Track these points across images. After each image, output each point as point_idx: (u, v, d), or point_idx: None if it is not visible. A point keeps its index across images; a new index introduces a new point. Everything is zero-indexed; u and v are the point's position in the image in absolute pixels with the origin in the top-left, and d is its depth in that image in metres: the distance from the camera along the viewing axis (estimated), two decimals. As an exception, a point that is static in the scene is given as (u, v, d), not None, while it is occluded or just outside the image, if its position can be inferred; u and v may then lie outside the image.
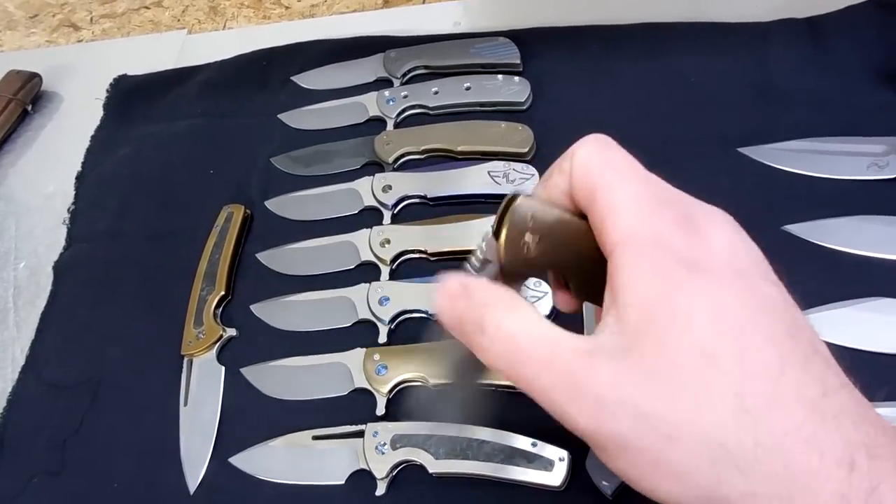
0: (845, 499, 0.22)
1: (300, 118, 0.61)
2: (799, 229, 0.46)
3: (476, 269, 0.31)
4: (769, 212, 0.47)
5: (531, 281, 0.43)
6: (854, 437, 0.23)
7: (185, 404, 0.49)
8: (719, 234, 0.26)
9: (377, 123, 0.59)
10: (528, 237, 0.29)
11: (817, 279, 0.44)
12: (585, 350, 0.25)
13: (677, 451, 0.24)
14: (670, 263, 0.25)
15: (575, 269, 0.30)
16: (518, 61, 0.58)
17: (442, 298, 0.29)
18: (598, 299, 0.28)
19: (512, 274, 0.30)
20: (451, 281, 0.29)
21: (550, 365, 0.26)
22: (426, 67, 0.60)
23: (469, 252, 0.48)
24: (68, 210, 0.62)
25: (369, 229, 0.52)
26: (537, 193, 0.30)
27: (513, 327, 0.27)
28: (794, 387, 0.24)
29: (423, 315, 0.48)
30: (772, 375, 0.24)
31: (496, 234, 0.30)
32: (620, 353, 0.25)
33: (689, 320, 0.24)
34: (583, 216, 0.29)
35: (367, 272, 0.51)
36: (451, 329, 0.28)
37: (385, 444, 0.43)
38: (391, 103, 0.58)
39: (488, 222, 0.49)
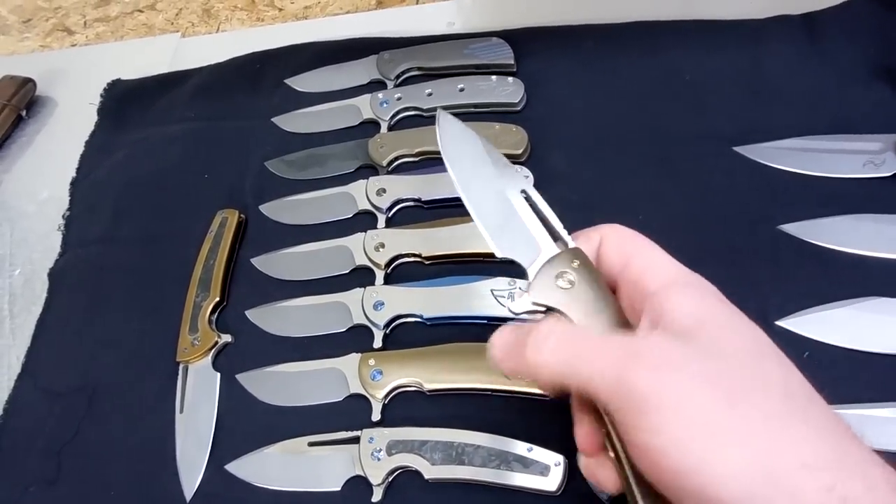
0: None
1: (294, 121, 0.61)
2: (795, 228, 0.45)
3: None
4: (765, 211, 0.46)
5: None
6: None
7: (181, 411, 0.49)
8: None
9: (371, 126, 0.58)
10: (565, 276, 0.32)
11: (813, 279, 0.44)
12: (641, 332, 0.29)
13: (734, 416, 0.25)
14: (713, 294, 0.29)
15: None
16: (512, 62, 0.58)
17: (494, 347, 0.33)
18: None
19: (537, 302, 0.32)
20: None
21: (610, 341, 0.29)
22: (420, 69, 0.60)
23: (469, 256, 0.48)
24: (63, 216, 0.62)
25: (364, 233, 0.51)
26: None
27: (562, 326, 0.31)
28: (814, 395, 0.26)
29: (417, 319, 0.48)
30: (801, 383, 0.27)
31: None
32: (679, 337, 0.27)
33: (738, 326, 0.28)
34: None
35: (361, 276, 0.51)
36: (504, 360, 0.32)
37: (381, 450, 0.43)
38: (385, 105, 0.58)
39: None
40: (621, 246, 0.32)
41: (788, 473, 0.24)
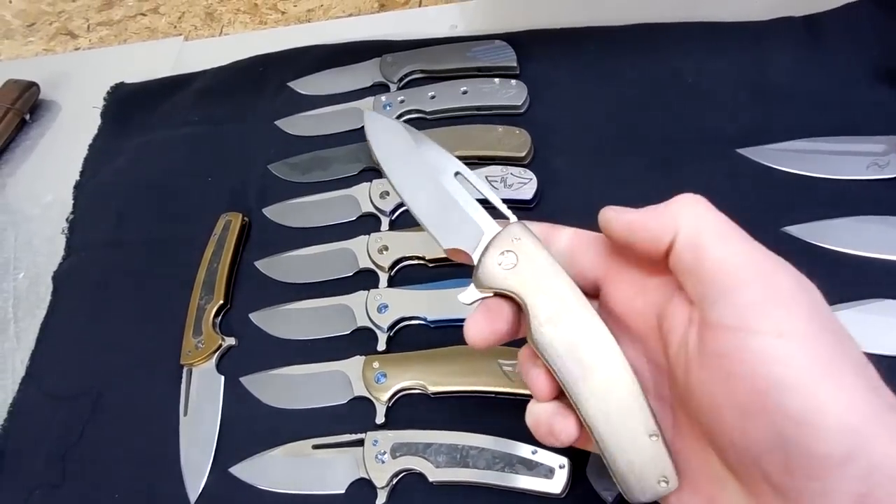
0: None
1: (297, 124, 0.61)
2: (799, 230, 0.45)
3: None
4: (768, 213, 0.46)
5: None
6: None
7: (185, 414, 0.49)
8: None
9: (374, 129, 0.58)
10: (504, 254, 0.31)
11: (817, 280, 0.43)
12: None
13: (844, 360, 0.25)
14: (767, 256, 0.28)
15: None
16: (515, 64, 0.58)
17: None
18: None
19: (482, 286, 0.32)
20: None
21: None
22: (423, 72, 0.60)
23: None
24: (67, 219, 0.62)
25: (367, 236, 0.51)
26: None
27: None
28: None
29: (421, 322, 0.48)
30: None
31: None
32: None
33: (801, 283, 0.28)
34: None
35: (365, 279, 0.51)
36: None
37: (385, 452, 0.43)
38: (388, 108, 0.58)
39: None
40: (600, 244, 0.32)
41: (887, 417, 0.24)
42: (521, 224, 0.32)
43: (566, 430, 0.31)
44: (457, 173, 0.34)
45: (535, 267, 0.31)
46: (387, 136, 0.36)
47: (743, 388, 0.26)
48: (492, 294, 0.32)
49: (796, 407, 0.24)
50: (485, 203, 0.34)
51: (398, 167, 0.35)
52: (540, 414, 0.32)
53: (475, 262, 0.32)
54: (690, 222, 0.29)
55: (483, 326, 0.32)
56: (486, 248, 0.32)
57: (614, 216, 0.31)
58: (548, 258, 0.31)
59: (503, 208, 0.33)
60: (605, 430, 0.30)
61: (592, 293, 0.33)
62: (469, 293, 0.32)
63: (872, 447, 0.24)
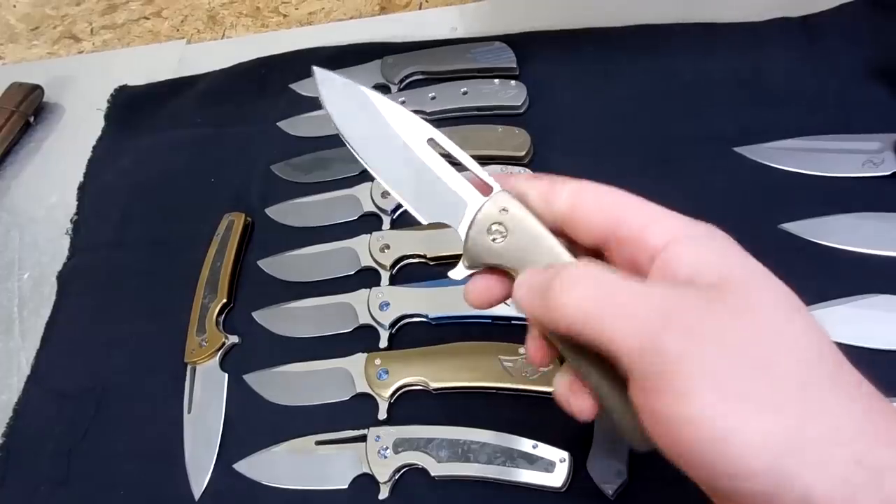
0: None
1: (299, 125, 0.62)
2: (795, 227, 0.46)
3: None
4: (766, 210, 0.47)
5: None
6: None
7: (189, 411, 0.49)
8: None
9: (375, 129, 0.59)
10: (495, 227, 0.30)
11: (814, 277, 0.44)
12: (675, 288, 0.26)
13: (764, 384, 0.24)
14: (731, 244, 0.27)
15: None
16: (514, 65, 0.58)
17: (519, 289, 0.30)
18: None
19: (474, 262, 0.31)
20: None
21: (642, 296, 0.26)
22: (423, 73, 0.61)
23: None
24: (71, 220, 0.63)
25: (369, 235, 0.52)
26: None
27: (595, 269, 0.28)
28: (848, 381, 0.25)
29: (423, 319, 0.48)
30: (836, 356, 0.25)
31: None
32: (709, 294, 0.25)
33: (768, 279, 0.26)
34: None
35: (367, 278, 0.51)
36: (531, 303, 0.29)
37: (387, 448, 0.43)
38: (389, 109, 0.58)
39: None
40: (603, 204, 0.29)
41: (818, 444, 0.23)
42: (506, 192, 0.30)
43: (582, 408, 0.30)
44: (429, 139, 0.31)
45: (525, 238, 0.29)
46: (346, 101, 0.32)
47: None
48: (481, 269, 0.30)
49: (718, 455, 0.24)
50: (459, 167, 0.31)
51: (363, 136, 0.31)
52: (558, 391, 0.31)
53: (462, 237, 0.30)
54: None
55: (482, 293, 0.31)
56: (473, 222, 0.30)
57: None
58: (538, 227, 0.29)
59: (484, 175, 0.30)
60: (607, 392, 0.29)
61: (597, 252, 0.31)
62: (459, 270, 0.31)
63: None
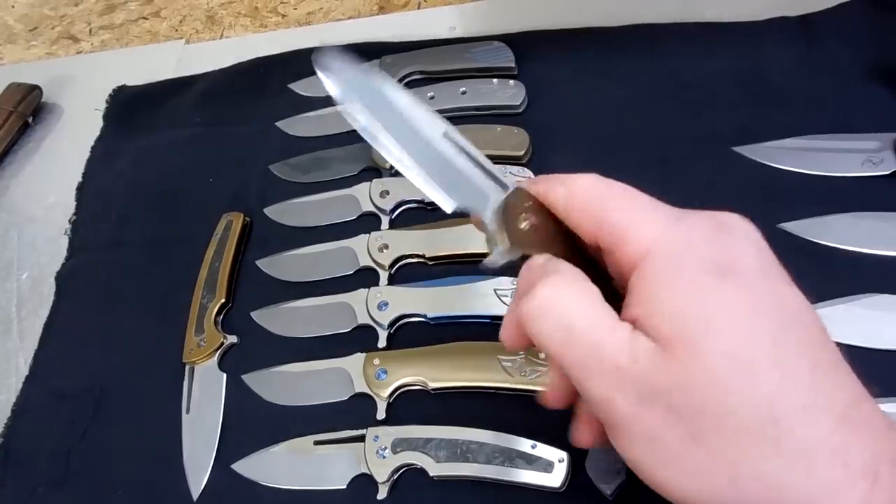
0: None
1: (298, 125, 0.62)
2: (794, 227, 0.46)
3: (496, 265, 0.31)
4: (764, 210, 0.46)
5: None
6: (881, 447, 0.23)
7: (188, 411, 0.49)
8: (747, 244, 0.27)
9: (374, 129, 0.59)
10: (524, 217, 0.30)
11: (813, 276, 0.43)
12: (630, 342, 0.26)
13: (701, 452, 0.24)
14: (701, 272, 0.25)
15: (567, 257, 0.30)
16: (513, 65, 0.58)
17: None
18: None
19: (513, 250, 0.31)
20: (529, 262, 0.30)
21: (597, 353, 0.26)
22: (422, 73, 0.61)
23: (471, 256, 0.49)
24: (69, 221, 0.63)
25: (368, 235, 0.52)
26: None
27: (569, 302, 0.27)
28: (825, 395, 0.24)
29: (421, 319, 0.48)
30: (804, 383, 0.24)
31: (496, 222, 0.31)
32: (660, 352, 0.25)
33: (726, 327, 0.25)
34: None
35: (365, 277, 0.51)
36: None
37: (386, 448, 0.43)
38: (388, 109, 0.58)
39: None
40: (589, 207, 0.29)
41: None
42: (524, 188, 0.30)
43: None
44: (445, 133, 0.32)
45: (548, 231, 0.30)
46: (361, 87, 0.32)
47: None
48: (520, 255, 0.30)
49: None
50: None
51: (382, 123, 0.31)
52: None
53: (492, 226, 0.30)
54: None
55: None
56: (505, 209, 0.30)
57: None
58: (556, 223, 0.30)
59: (498, 174, 0.31)
60: None
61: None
62: (498, 254, 0.30)
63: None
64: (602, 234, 0.28)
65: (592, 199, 0.28)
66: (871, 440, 0.23)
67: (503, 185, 0.31)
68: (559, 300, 0.27)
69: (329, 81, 0.32)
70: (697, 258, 0.26)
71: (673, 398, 0.25)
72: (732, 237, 0.26)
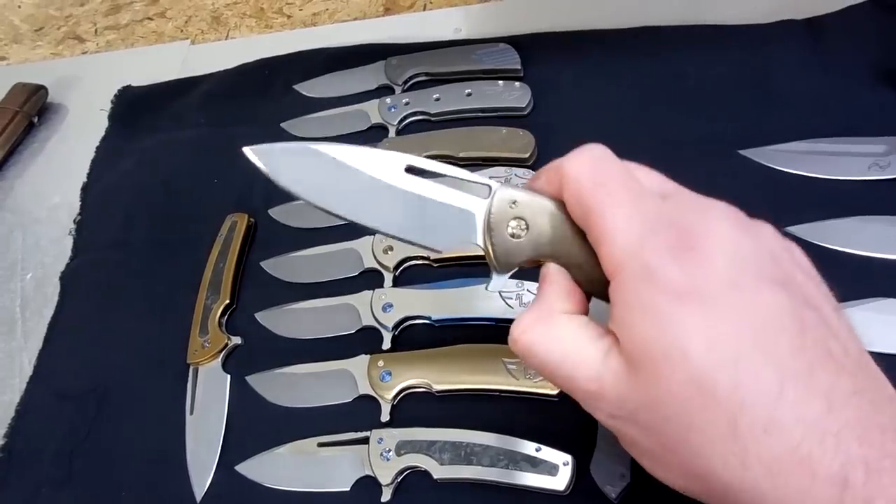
0: None
1: (303, 126, 0.62)
2: (801, 230, 0.46)
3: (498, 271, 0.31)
4: (770, 213, 0.46)
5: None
6: (855, 452, 0.23)
7: (191, 413, 0.49)
8: (718, 245, 0.26)
9: (379, 130, 0.59)
10: (513, 223, 0.29)
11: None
12: (601, 366, 0.27)
13: (675, 458, 0.26)
14: (661, 297, 0.25)
15: (569, 254, 0.30)
16: (518, 67, 0.58)
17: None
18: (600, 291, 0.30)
19: (508, 265, 0.30)
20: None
21: (571, 380, 0.29)
22: (427, 74, 0.61)
23: (476, 258, 0.49)
24: (74, 221, 0.63)
25: (372, 236, 0.52)
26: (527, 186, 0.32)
27: (536, 340, 0.29)
28: (793, 407, 0.24)
29: (426, 321, 0.48)
30: (769, 399, 0.24)
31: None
32: (627, 373, 0.27)
33: (684, 355, 0.25)
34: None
35: (370, 279, 0.51)
36: None
37: (390, 450, 0.43)
38: (393, 110, 0.59)
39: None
40: (579, 197, 0.28)
41: None
42: (505, 186, 0.29)
43: None
44: (407, 167, 0.30)
45: (546, 220, 0.29)
46: (297, 165, 0.30)
47: None
48: (516, 270, 0.30)
49: None
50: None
51: (337, 194, 0.29)
52: None
53: (483, 248, 0.29)
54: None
55: None
56: (488, 228, 0.29)
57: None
58: (551, 206, 0.29)
59: (475, 178, 0.30)
60: None
61: None
62: (495, 282, 0.30)
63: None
64: (588, 234, 0.29)
65: (581, 194, 0.28)
66: (845, 448, 0.23)
67: (485, 191, 0.29)
68: (533, 345, 0.29)
69: (258, 161, 0.32)
70: (661, 281, 0.25)
71: (640, 416, 0.26)
72: (699, 253, 0.26)
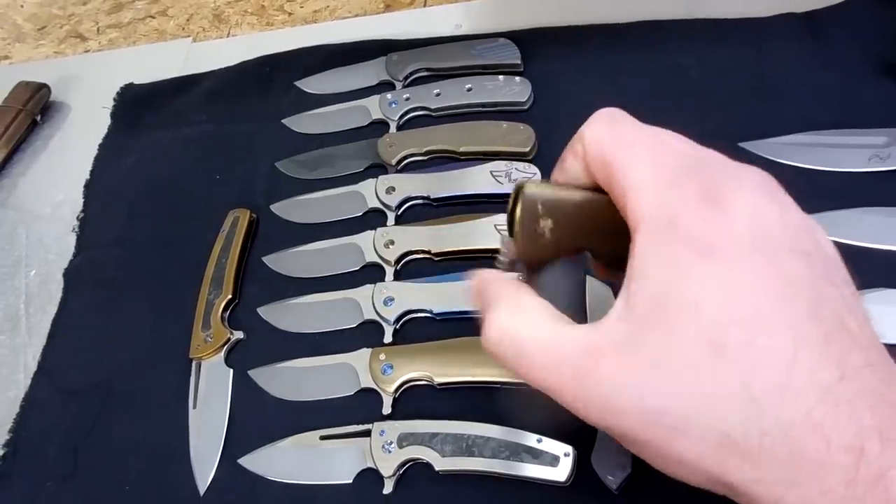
0: (851, 485, 0.22)
1: (304, 122, 0.62)
2: (801, 222, 0.46)
3: (505, 268, 0.31)
4: None
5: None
6: (868, 421, 0.23)
7: (195, 407, 0.49)
8: (743, 206, 0.26)
9: (380, 126, 0.59)
10: (542, 223, 0.29)
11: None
12: (590, 347, 0.26)
13: (682, 444, 0.25)
14: (682, 249, 0.25)
15: (599, 245, 0.30)
16: (519, 61, 0.58)
17: (469, 295, 0.30)
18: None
19: (536, 263, 0.30)
20: (473, 278, 0.30)
21: (556, 367, 0.27)
22: (428, 69, 0.61)
23: (477, 252, 0.49)
24: (77, 218, 0.63)
25: (373, 231, 0.52)
26: (554, 178, 0.31)
27: (517, 327, 0.28)
28: (807, 372, 0.23)
29: (427, 315, 0.48)
30: (783, 361, 0.23)
31: (509, 228, 0.30)
32: (625, 344, 0.25)
33: (698, 310, 0.24)
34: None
35: (371, 273, 0.51)
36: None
37: (392, 442, 0.43)
38: (394, 106, 0.59)
39: (492, 221, 0.49)
40: (601, 157, 0.28)
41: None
42: (531, 184, 0.29)
43: None
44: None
45: (569, 214, 0.29)
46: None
47: None
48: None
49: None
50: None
51: None
52: None
53: (507, 248, 0.30)
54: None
55: None
56: (515, 224, 0.29)
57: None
58: (574, 195, 0.29)
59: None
60: None
61: None
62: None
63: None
64: (612, 195, 0.28)
65: (603, 154, 0.28)
66: (858, 416, 0.23)
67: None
68: (506, 329, 0.28)
69: None
70: (682, 234, 0.25)
71: (645, 396, 0.25)
72: (723, 210, 0.25)
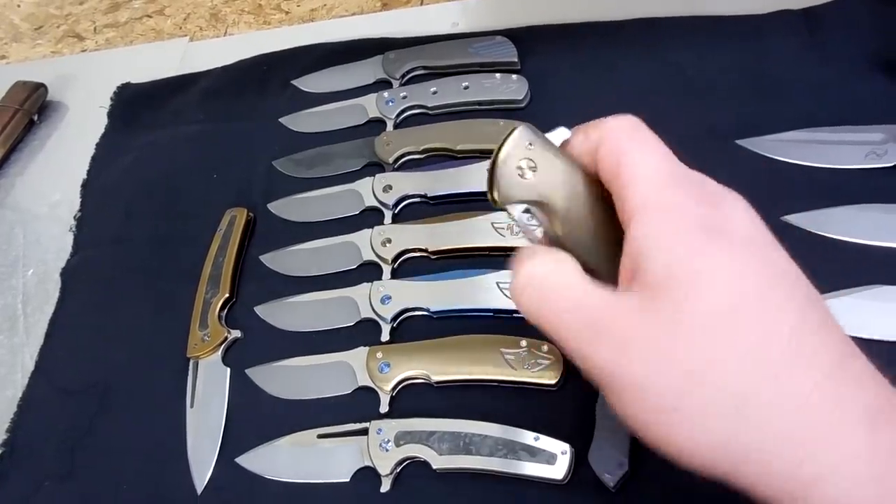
0: (866, 458, 0.23)
1: (301, 121, 0.62)
2: (798, 219, 0.46)
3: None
4: (768, 202, 0.45)
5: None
6: (874, 400, 0.24)
7: (192, 406, 0.49)
8: (737, 210, 0.28)
9: (377, 124, 0.59)
10: (524, 164, 0.29)
11: (817, 268, 0.43)
12: (612, 297, 0.27)
13: (695, 396, 0.25)
14: (692, 228, 0.26)
15: (564, 205, 0.30)
16: (515, 60, 0.58)
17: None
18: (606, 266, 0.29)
19: (506, 198, 0.30)
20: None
21: (577, 309, 0.27)
22: (425, 68, 0.61)
23: (474, 250, 0.49)
24: (74, 217, 0.63)
25: (370, 229, 0.52)
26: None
27: (543, 271, 0.29)
28: (812, 348, 0.25)
29: (424, 313, 0.48)
30: (793, 335, 0.25)
31: (492, 166, 0.30)
32: (645, 302, 0.26)
33: (713, 279, 0.25)
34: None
35: (369, 272, 0.51)
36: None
37: (389, 441, 0.43)
38: (391, 104, 0.59)
39: (489, 219, 0.49)
40: (616, 144, 0.29)
41: (759, 454, 0.24)
42: (527, 125, 0.30)
43: None
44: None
45: (553, 172, 0.29)
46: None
47: None
48: (524, 209, 0.30)
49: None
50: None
51: None
52: None
53: (488, 178, 0.30)
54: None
55: None
56: (499, 157, 0.29)
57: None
58: (567, 162, 0.30)
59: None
60: None
61: None
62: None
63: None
64: (614, 184, 0.29)
65: (619, 142, 0.29)
66: (864, 392, 0.24)
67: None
68: (533, 270, 0.29)
69: None
70: (688, 216, 0.27)
71: (661, 340, 0.25)
72: (723, 202, 0.28)
